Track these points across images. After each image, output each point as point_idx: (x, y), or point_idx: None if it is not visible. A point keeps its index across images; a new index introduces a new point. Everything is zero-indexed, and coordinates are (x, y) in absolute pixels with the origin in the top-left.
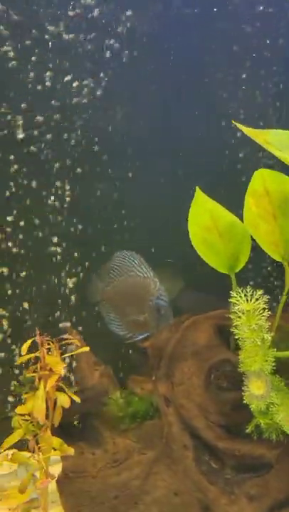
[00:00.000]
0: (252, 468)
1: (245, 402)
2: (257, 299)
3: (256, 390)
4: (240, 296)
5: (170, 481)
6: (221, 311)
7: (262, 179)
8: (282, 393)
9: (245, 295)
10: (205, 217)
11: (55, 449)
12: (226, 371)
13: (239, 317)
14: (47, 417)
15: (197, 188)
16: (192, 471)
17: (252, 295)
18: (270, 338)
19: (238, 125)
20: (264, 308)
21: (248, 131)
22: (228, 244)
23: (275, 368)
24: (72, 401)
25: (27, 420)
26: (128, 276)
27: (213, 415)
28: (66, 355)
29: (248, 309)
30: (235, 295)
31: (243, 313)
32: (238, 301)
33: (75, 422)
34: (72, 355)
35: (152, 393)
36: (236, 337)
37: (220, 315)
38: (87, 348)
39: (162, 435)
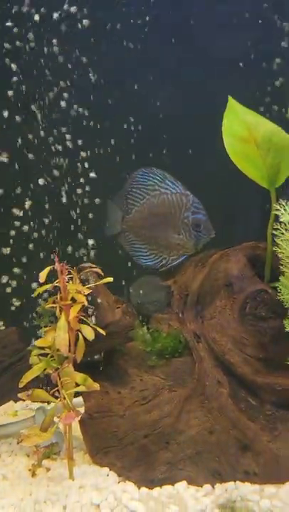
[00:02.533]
0: None
1: (287, 330)
2: None
3: None
4: (285, 209)
5: (204, 419)
6: (252, 242)
7: None
8: None
9: None
10: (240, 127)
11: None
12: (265, 299)
13: (282, 233)
14: (69, 350)
15: (230, 97)
16: (228, 408)
17: None
18: None
19: None
20: None
21: None
22: (266, 155)
23: None
24: (95, 337)
25: (46, 355)
26: (151, 196)
27: (250, 348)
28: (89, 285)
29: None
30: (278, 207)
31: (287, 229)
32: (282, 214)
33: (98, 361)
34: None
35: (180, 330)
36: (280, 254)
37: (251, 246)
38: (110, 279)
39: (193, 372)
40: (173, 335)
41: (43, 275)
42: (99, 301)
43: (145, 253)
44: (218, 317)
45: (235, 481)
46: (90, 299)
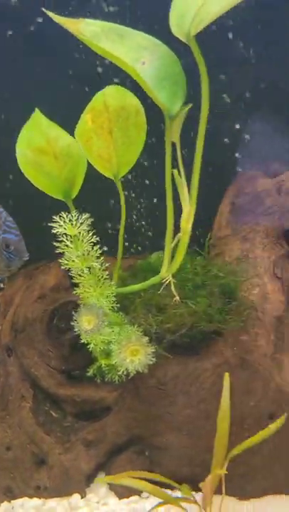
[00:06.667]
0: (93, 414)
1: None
2: (82, 223)
3: (86, 325)
4: (64, 221)
5: (3, 435)
6: None
7: (103, 97)
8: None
9: (70, 220)
10: (39, 138)
11: None
12: (67, 311)
13: (67, 246)
14: None
15: (36, 110)
16: (27, 423)
17: (77, 220)
18: (98, 266)
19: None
20: (90, 233)
21: (58, 18)
22: (64, 167)
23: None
24: None
25: None
26: None
27: (54, 361)
28: None
29: (73, 234)
30: (58, 219)
31: (71, 241)
32: (61, 225)
33: None
34: None
35: None
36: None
37: None
38: None
39: None
40: None
41: None
42: None
43: None
44: (28, 329)
45: (25, 497)
46: None
